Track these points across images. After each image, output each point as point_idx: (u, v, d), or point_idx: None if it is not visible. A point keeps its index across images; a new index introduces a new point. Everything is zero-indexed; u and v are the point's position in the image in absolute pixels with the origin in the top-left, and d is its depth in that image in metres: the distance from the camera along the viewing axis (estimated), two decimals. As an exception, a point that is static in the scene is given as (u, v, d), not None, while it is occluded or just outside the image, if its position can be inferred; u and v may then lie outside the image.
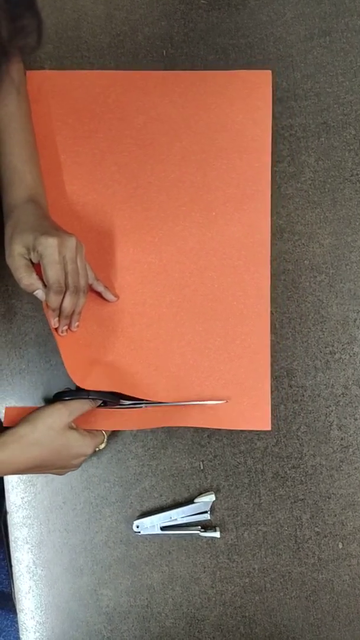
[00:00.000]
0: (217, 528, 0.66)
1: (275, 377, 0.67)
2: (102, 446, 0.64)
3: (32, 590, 0.67)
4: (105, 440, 0.64)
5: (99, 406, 0.64)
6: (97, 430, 0.64)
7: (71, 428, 0.61)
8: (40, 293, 0.59)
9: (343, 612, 0.66)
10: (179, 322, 0.67)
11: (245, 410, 0.66)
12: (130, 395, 0.65)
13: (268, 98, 0.69)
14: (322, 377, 0.67)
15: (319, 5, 0.70)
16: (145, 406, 0.65)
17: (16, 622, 1.05)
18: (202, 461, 0.66)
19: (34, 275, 0.59)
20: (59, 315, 0.61)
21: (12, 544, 0.67)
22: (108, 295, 0.66)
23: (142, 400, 0.65)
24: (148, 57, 0.70)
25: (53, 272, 0.57)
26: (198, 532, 0.65)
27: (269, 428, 0.66)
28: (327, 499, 0.66)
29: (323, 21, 0.70)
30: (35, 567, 0.67)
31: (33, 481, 0.67)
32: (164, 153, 0.68)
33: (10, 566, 0.68)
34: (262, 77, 0.69)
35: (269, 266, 0.67)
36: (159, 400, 0.65)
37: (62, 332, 0.62)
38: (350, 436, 0.67)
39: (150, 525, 0.66)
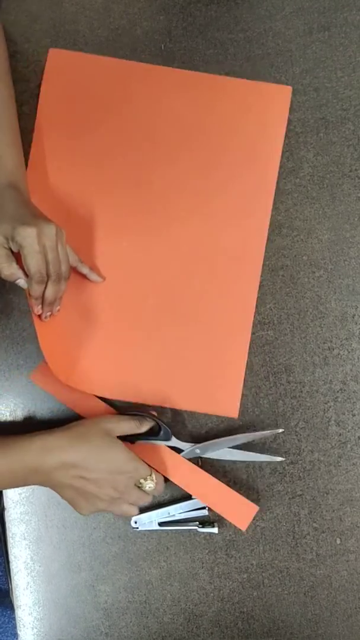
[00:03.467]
0: (215, 524, 0.66)
1: (273, 373, 0.67)
2: (152, 486, 0.60)
3: (30, 586, 0.67)
4: (154, 480, 0.60)
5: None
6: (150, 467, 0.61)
7: (117, 439, 0.59)
8: (22, 282, 0.60)
9: (341, 607, 0.66)
10: (161, 321, 0.67)
11: (216, 394, 0.67)
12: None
13: (285, 114, 0.68)
14: (320, 373, 0.67)
15: (318, -1, 0.70)
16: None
17: (13, 618, 1.05)
18: (202, 457, 0.66)
19: (14, 265, 0.59)
20: (42, 303, 0.61)
21: (9, 540, 0.67)
22: (93, 277, 0.66)
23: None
24: (146, 51, 0.69)
25: (34, 262, 0.57)
26: (196, 527, 0.65)
27: (236, 416, 0.66)
28: (325, 495, 0.66)
29: (322, 16, 0.70)
30: (33, 563, 0.67)
31: (31, 477, 0.67)
32: (171, 152, 0.68)
33: (8, 562, 0.68)
34: (281, 92, 0.68)
35: (259, 279, 0.67)
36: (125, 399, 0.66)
37: (45, 317, 0.63)
38: (348, 432, 0.66)
39: (148, 521, 0.65)
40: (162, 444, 0.65)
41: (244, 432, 0.66)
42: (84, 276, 0.66)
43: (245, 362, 0.67)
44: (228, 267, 0.67)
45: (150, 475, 0.60)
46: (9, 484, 0.59)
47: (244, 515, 0.64)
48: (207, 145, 0.68)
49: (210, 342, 0.67)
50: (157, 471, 0.62)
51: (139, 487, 0.60)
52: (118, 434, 0.60)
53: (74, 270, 0.64)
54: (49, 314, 0.63)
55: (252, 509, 0.64)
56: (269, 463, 0.66)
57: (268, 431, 0.65)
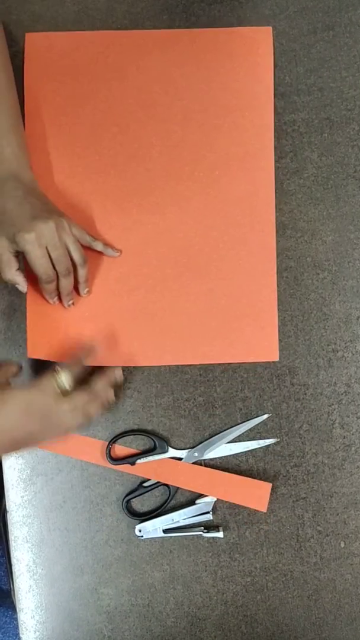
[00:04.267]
0: (220, 528, 0.65)
1: (277, 375, 0.67)
2: (64, 379, 0.58)
3: (32, 590, 0.66)
4: (62, 374, 0.58)
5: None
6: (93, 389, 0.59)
7: (64, 395, 0.57)
8: (20, 287, 0.61)
9: (345, 611, 0.65)
10: (184, 283, 0.66)
11: (253, 340, 0.66)
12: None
13: (269, 55, 0.68)
14: (324, 375, 0.67)
15: (322, -2, 0.69)
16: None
17: (15, 619, 1.05)
18: (204, 460, 0.66)
19: (14, 271, 0.60)
20: (59, 296, 0.64)
21: (12, 543, 0.66)
22: (109, 252, 0.66)
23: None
24: (149, 51, 0.69)
25: (38, 266, 0.59)
26: (201, 532, 0.65)
27: (277, 358, 0.66)
28: (329, 498, 0.66)
29: (326, 15, 0.69)
30: (36, 566, 0.66)
31: (33, 480, 0.67)
32: (165, 112, 0.67)
33: (10, 565, 0.67)
34: (262, 34, 0.68)
35: (274, 223, 0.67)
36: (165, 363, 0.66)
37: (68, 305, 0.65)
38: (352, 434, 0.66)
39: (153, 529, 0.65)
40: (161, 457, 0.65)
41: (240, 435, 0.66)
42: (100, 253, 0.66)
43: (276, 303, 0.66)
44: (242, 215, 0.67)
45: (55, 376, 0.57)
46: None
47: (261, 497, 0.65)
48: (200, 98, 0.67)
49: (239, 292, 0.66)
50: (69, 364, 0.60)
51: (61, 391, 0.57)
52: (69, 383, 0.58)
53: (88, 249, 0.64)
54: (70, 302, 0.65)
55: (266, 488, 0.65)
56: (272, 466, 0.66)
57: (257, 418, 0.65)
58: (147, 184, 0.67)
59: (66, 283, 0.62)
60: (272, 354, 0.66)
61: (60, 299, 0.65)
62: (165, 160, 0.67)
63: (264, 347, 0.66)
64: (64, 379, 0.58)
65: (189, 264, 0.67)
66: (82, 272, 0.63)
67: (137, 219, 0.67)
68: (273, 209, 0.67)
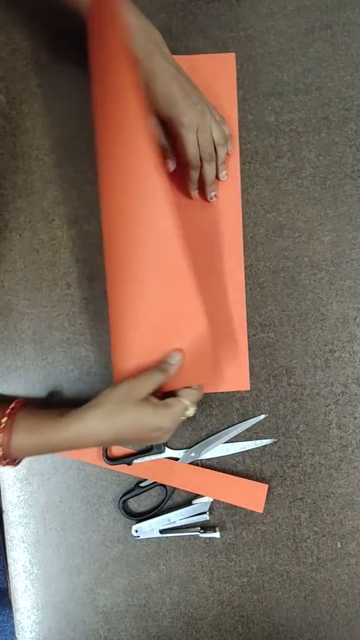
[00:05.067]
0: (217, 528, 0.65)
1: (274, 376, 0.66)
2: (190, 412, 0.58)
3: (29, 590, 0.66)
4: (190, 406, 0.59)
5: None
6: (175, 399, 0.59)
7: (144, 400, 0.56)
8: (170, 163, 0.65)
9: (341, 611, 0.65)
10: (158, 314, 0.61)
11: (224, 371, 0.66)
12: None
13: (232, 81, 0.68)
14: (321, 375, 0.66)
15: (320, -3, 0.69)
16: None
17: (11, 617, 1.04)
18: (200, 460, 0.66)
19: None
20: (205, 184, 0.66)
21: (8, 543, 0.66)
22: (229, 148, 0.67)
23: None
24: (147, 49, 0.68)
25: (191, 150, 0.62)
26: (198, 533, 0.65)
27: (247, 387, 0.66)
28: (326, 498, 0.66)
29: (324, 14, 0.69)
30: (32, 566, 0.66)
31: (29, 480, 0.66)
32: (128, 137, 0.59)
33: (7, 565, 0.67)
34: (225, 61, 0.68)
35: (242, 252, 0.67)
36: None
37: (211, 198, 0.67)
38: (349, 435, 0.66)
39: (149, 529, 0.65)
40: (158, 457, 0.65)
41: (236, 436, 0.66)
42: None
43: (246, 331, 0.66)
44: (209, 242, 0.66)
45: (187, 409, 0.58)
46: (32, 455, 0.60)
47: (257, 498, 0.64)
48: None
49: (208, 324, 0.64)
50: (187, 389, 0.60)
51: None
52: (146, 394, 0.57)
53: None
54: (213, 194, 0.66)
55: (262, 489, 0.64)
56: (269, 467, 0.66)
57: (253, 418, 0.65)
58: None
59: (210, 169, 0.64)
60: (243, 383, 0.66)
61: (201, 191, 0.67)
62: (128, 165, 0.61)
63: (234, 377, 0.66)
64: (192, 411, 0.58)
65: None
66: (222, 152, 0.65)
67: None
68: (241, 239, 0.67)
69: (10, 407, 0.58)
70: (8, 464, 0.57)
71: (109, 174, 0.61)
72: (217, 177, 0.67)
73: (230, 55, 0.68)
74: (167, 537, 0.65)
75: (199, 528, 0.65)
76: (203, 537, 0.65)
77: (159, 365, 0.58)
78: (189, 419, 0.61)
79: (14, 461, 0.58)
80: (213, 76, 0.68)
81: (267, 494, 0.65)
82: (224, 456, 0.66)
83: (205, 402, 0.66)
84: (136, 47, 0.59)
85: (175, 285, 0.59)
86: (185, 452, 0.65)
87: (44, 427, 0.56)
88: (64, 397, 0.67)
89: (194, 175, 0.65)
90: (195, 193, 0.67)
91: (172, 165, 0.66)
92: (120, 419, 0.55)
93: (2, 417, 0.56)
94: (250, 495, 0.65)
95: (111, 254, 0.61)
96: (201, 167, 0.64)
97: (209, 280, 0.66)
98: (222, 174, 0.67)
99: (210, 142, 0.63)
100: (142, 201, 0.59)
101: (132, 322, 0.60)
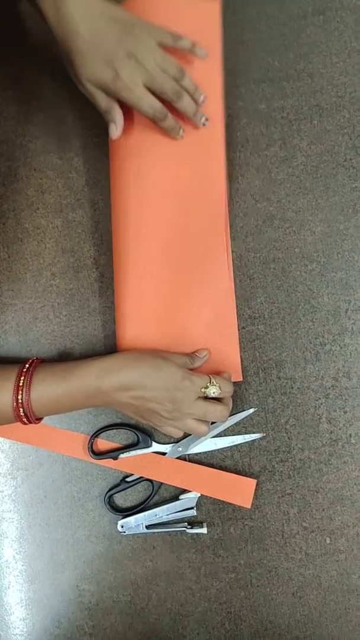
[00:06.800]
0: (204, 524, 0.64)
1: (263, 369, 0.65)
2: (211, 391, 0.58)
3: (12, 586, 0.65)
4: (216, 384, 0.58)
5: None
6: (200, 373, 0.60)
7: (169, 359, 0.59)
8: (113, 128, 0.58)
9: (330, 608, 0.64)
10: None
11: (217, 364, 0.64)
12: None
13: (217, 31, 0.63)
14: (311, 369, 0.65)
15: (313, -19, 0.67)
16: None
17: None
18: (188, 455, 0.65)
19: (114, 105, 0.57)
20: (190, 118, 0.60)
21: (-9, 539, 0.65)
22: (198, 51, 0.60)
23: None
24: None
25: (146, 107, 0.56)
26: (184, 528, 0.64)
27: (240, 379, 0.65)
28: (315, 494, 0.65)
29: (317, -2, 0.67)
30: (16, 562, 0.65)
31: (13, 474, 0.65)
32: None
33: (-10, 561, 0.66)
34: (209, 10, 0.63)
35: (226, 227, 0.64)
36: None
37: (204, 124, 0.61)
38: (339, 429, 0.65)
39: (135, 524, 0.64)
40: (145, 451, 0.64)
41: (225, 430, 0.64)
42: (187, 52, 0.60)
43: (236, 322, 0.65)
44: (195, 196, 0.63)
45: (210, 381, 0.59)
46: (70, 407, 0.58)
47: (245, 493, 0.63)
48: None
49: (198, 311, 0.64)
50: (218, 375, 0.60)
51: (204, 398, 0.59)
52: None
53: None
54: (203, 119, 0.61)
55: (251, 484, 0.63)
56: (257, 461, 0.65)
57: (242, 412, 0.64)
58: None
59: (183, 104, 0.58)
60: (235, 374, 0.64)
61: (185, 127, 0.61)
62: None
63: (226, 367, 0.64)
64: (214, 390, 0.58)
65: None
66: (185, 82, 0.58)
67: None
68: (224, 211, 0.63)
69: (27, 365, 0.58)
70: (30, 422, 0.57)
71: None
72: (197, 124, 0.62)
73: (215, 3, 0.63)
74: (154, 532, 0.64)
75: (186, 523, 0.64)
76: (190, 533, 0.64)
77: (190, 355, 0.61)
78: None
79: (35, 419, 0.58)
80: (196, 23, 0.62)
81: (256, 489, 0.64)
82: (212, 451, 0.65)
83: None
84: (45, 5, 0.53)
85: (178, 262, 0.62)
86: (173, 446, 0.64)
87: (65, 372, 0.56)
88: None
89: (167, 123, 0.58)
90: (181, 133, 0.61)
91: (115, 131, 0.59)
92: (145, 362, 0.57)
93: (20, 376, 0.56)
94: (238, 491, 0.64)
95: (120, 229, 0.62)
96: (173, 107, 0.58)
97: (194, 270, 0.64)
98: (201, 119, 0.61)
99: (166, 78, 0.56)
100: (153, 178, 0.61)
101: (136, 291, 0.62)
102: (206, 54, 0.62)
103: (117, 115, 0.58)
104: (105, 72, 0.54)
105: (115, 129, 0.58)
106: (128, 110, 0.59)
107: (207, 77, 0.63)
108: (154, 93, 0.56)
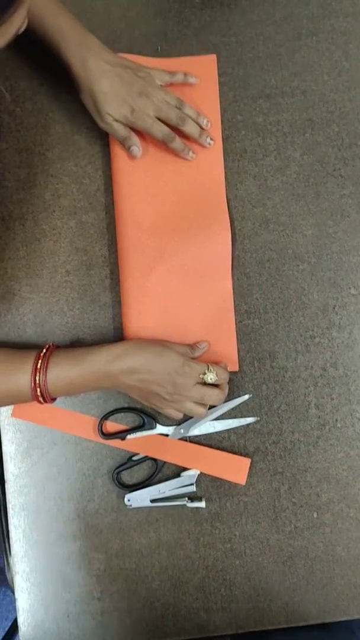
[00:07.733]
0: (203, 499, 0.70)
1: (258, 359, 0.72)
2: (208, 377, 0.65)
3: (28, 554, 0.72)
4: (213, 371, 0.65)
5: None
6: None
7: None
8: (135, 149, 0.69)
9: (316, 576, 0.71)
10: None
11: (216, 355, 0.71)
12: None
13: (214, 82, 0.72)
14: (302, 359, 0.72)
15: (306, 6, 0.73)
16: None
17: (8, 595, 1.10)
18: (189, 436, 0.71)
19: (131, 133, 0.68)
20: (195, 140, 0.70)
21: (10, 511, 0.72)
22: (190, 79, 0.71)
23: None
24: (143, 52, 0.73)
25: (157, 132, 0.67)
26: (185, 503, 0.70)
27: (236, 368, 0.71)
28: (304, 472, 0.71)
29: (310, 22, 0.73)
30: (31, 532, 0.71)
31: (30, 453, 0.71)
32: None
33: (8, 532, 0.72)
34: (207, 62, 0.73)
35: (230, 235, 0.71)
36: None
37: (209, 144, 0.71)
38: (326, 415, 0.71)
39: (141, 498, 0.70)
40: (149, 433, 0.70)
41: (223, 414, 0.71)
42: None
43: (233, 313, 0.71)
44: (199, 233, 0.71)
45: (208, 368, 0.65)
46: (82, 388, 0.65)
47: (240, 471, 0.70)
48: None
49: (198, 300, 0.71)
50: (215, 364, 0.67)
51: (202, 383, 0.65)
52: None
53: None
54: (208, 140, 0.71)
55: (245, 463, 0.70)
56: (252, 443, 0.71)
57: (238, 398, 0.70)
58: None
59: (188, 128, 0.68)
60: (232, 365, 0.71)
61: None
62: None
63: (224, 358, 0.70)
64: (211, 376, 0.65)
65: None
66: (188, 110, 0.69)
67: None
68: (228, 223, 0.70)
69: (44, 350, 0.64)
70: (45, 401, 0.64)
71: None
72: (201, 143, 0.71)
73: (212, 57, 0.73)
74: (157, 506, 0.71)
75: (186, 498, 0.70)
76: (190, 507, 0.71)
77: (191, 345, 0.68)
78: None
79: (50, 399, 0.64)
80: (196, 75, 0.72)
81: (250, 468, 0.70)
82: (210, 433, 0.71)
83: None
84: (68, 54, 0.65)
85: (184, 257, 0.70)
86: (175, 428, 0.70)
87: (78, 357, 0.64)
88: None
89: (176, 144, 0.68)
90: (191, 154, 0.70)
91: (137, 152, 0.69)
92: (149, 349, 0.64)
93: (38, 359, 0.63)
94: (234, 469, 0.70)
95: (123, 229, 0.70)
96: (179, 132, 0.68)
97: (196, 268, 0.71)
98: (207, 140, 0.71)
99: (170, 108, 0.67)
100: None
101: (140, 287, 0.69)
102: (197, 80, 0.72)
103: (136, 140, 0.69)
104: (123, 107, 0.65)
105: (138, 150, 0.69)
106: (139, 135, 0.70)
107: (207, 106, 0.72)
108: (162, 121, 0.67)
